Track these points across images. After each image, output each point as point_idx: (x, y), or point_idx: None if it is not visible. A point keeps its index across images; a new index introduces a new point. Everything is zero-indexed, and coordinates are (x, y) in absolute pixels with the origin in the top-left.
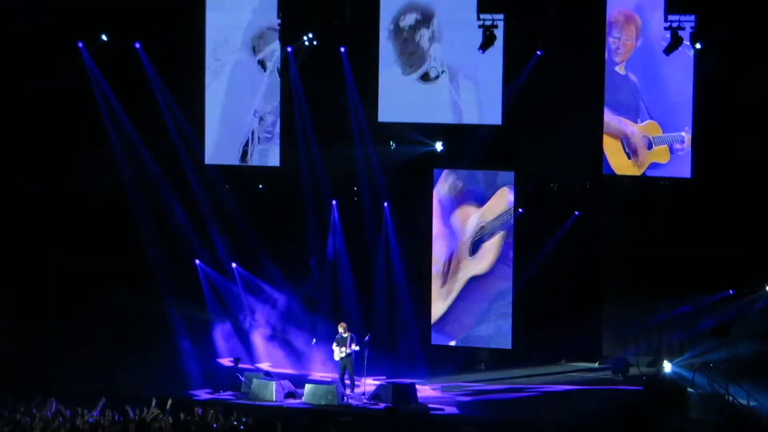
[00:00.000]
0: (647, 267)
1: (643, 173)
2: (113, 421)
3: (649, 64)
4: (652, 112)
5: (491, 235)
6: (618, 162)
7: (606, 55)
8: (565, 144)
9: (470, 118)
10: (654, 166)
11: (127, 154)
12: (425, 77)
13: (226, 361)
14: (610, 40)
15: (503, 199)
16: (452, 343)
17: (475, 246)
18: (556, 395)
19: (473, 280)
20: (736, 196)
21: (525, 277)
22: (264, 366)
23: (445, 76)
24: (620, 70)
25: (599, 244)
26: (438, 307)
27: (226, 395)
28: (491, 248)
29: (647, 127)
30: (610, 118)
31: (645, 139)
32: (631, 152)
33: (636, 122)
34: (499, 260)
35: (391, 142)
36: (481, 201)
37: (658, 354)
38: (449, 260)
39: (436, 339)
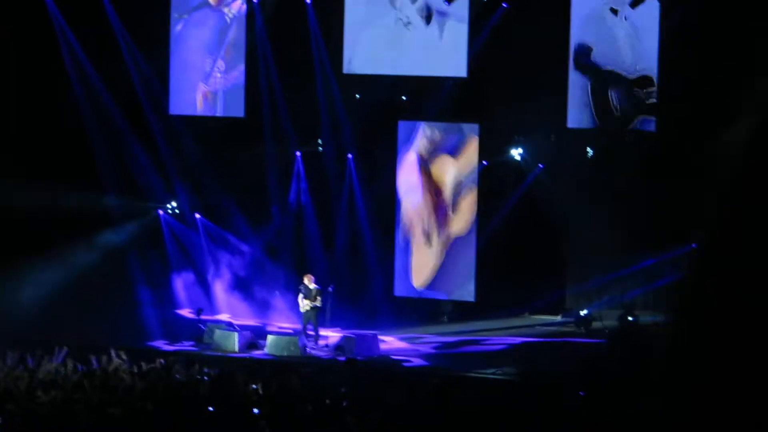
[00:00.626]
0: (611, 221)
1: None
2: (74, 370)
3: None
4: (647, 62)
5: (468, 189)
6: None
7: None
8: (531, 96)
9: (435, 70)
10: (644, 121)
11: (90, 103)
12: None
13: (187, 312)
14: None
15: (475, 152)
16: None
17: (455, 202)
18: (519, 348)
19: (457, 242)
20: (700, 151)
21: (489, 230)
22: (225, 317)
23: (411, 27)
24: (613, 10)
25: (563, 197)
26: (427, 269)
27: (187, 346)
28: (468, 206)
29: (641, 80)
30: (602, 63)
31: (638, 92)
32: (619, 106)
33: (630, 72)
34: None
35: (357, 94)
36: (454, 152)
37: (622, 307)
38: (433, 217)
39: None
